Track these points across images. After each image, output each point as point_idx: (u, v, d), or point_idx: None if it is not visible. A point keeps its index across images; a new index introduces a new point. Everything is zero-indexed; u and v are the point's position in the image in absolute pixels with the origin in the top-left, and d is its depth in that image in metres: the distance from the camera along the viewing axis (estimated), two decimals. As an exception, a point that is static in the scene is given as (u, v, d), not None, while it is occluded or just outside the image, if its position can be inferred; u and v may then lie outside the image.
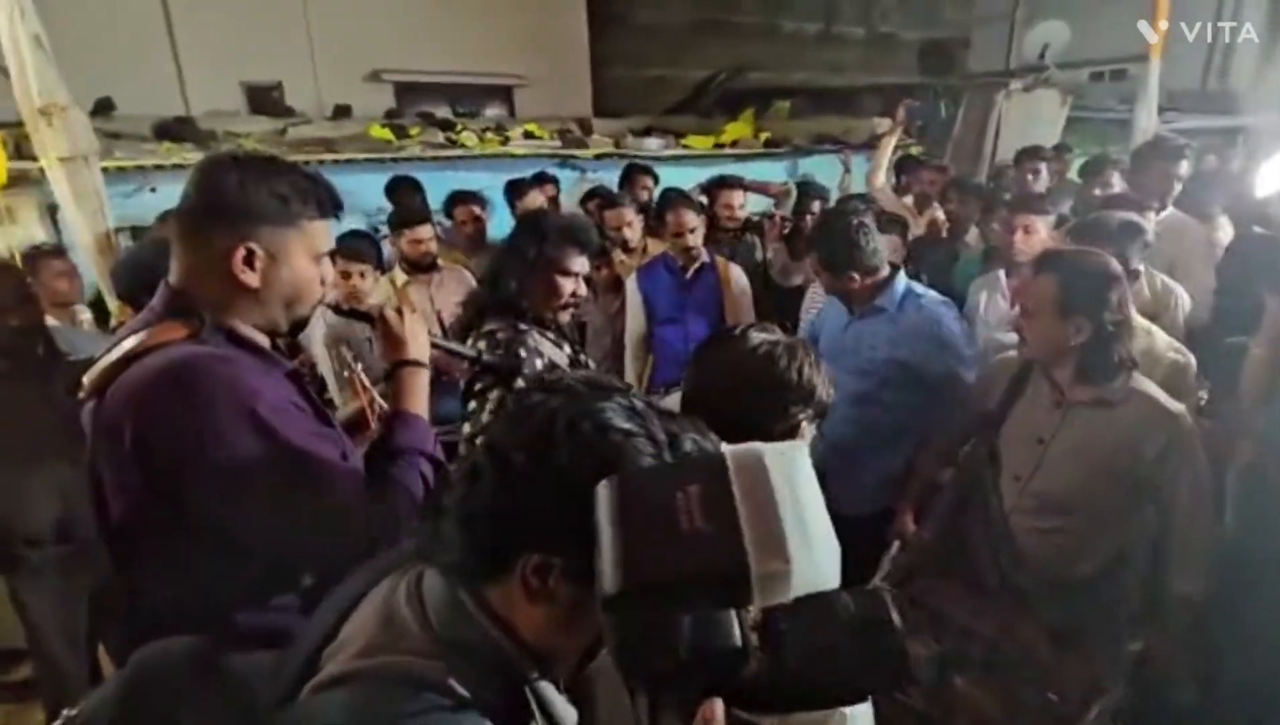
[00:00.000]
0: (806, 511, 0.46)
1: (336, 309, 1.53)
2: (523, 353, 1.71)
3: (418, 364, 1.24)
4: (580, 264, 1.82)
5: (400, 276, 3.08)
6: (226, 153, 1.14)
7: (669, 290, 2.96)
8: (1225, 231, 3.11)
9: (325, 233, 1.16)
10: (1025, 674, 1.51)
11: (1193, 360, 1.93)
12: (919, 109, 4.94)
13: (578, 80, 8.82)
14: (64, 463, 1.98)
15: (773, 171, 6.00)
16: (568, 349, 1.88)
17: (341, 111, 6.85)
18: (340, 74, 7.44)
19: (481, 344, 1.71)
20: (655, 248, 3.25)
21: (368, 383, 1.58)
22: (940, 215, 3.70)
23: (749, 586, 0.44)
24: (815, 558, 0.45)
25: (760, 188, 4.10)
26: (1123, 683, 1.54)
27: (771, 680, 0.47)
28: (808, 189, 4.06)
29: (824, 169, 6.33)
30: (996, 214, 3.15)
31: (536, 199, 3.88)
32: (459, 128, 6.28)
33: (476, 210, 3.62)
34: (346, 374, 1.54)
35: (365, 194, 4.21)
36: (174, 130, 5.32)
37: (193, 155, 4.89)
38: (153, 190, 4.34)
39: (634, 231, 3.36)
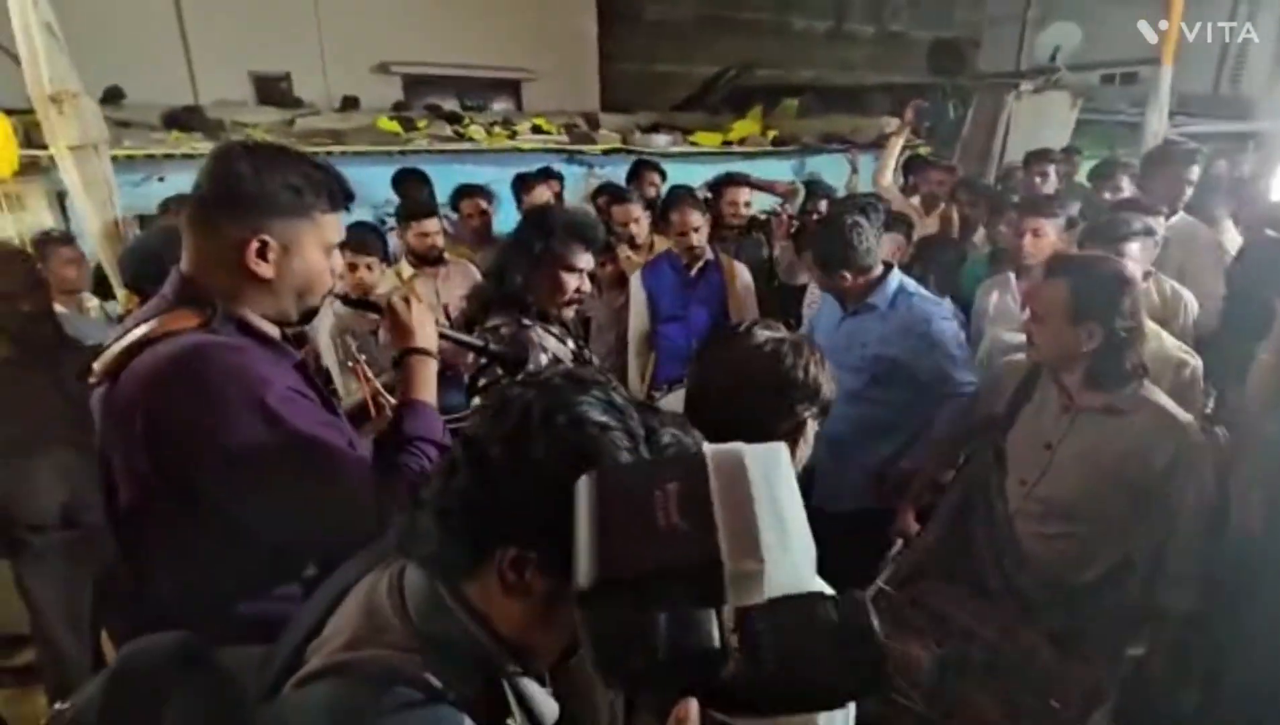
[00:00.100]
0: (784, 512, 0.46)
1: (345, 299, 1.53)
2: (527, 347, 1.71)
3: (426, 352, 1.24)
4: (585, 260, 1.82)
5: (406, 269, 3.08)
6: (240, 141, 1.14)
7: (673, 288, 2.95)
8: (1232, 236, 3.09)
9: (337, 224, 1.16)
10: (1026, 678, 1.50)
11: (1200, 363, 1.92)
12: (928, 109, 4.91)
13: (586, 75, 8.81)
14: (70, 448, 1.99)
15: (780, 170, 5.97)
16: (572, 344, 1.88)
17: (349, 103, 6.86)
18: (348, 66, 7.45)
19: (485, 337, 1.71)
20: (662, 245, 3.25)
21: (371, 374, 1.58)
22: (953, 212, 3.68)
23: (722, 585, 0.44)
24: (792, 558, 0.45)
25: (767, 186, 4.09)
26: (1119, 688, 1.54)
27: (749, 682, 0.47)
28: (815, 188, 4.05)
29: (831, 168, 6.31)
30: (1004, 216, 3.14)
31: (543, 194, 3.87)
32: (466, 121, 6.28)
33: (483, 204, 3.62)
34: (351, 365, 1.54)
35: (372, 186, 4.20)
36: (183, 119, 5.33)
37: (201, 144, 4.90)
38: (161, 179, 4.36)
39: (641, 228, 3.36)
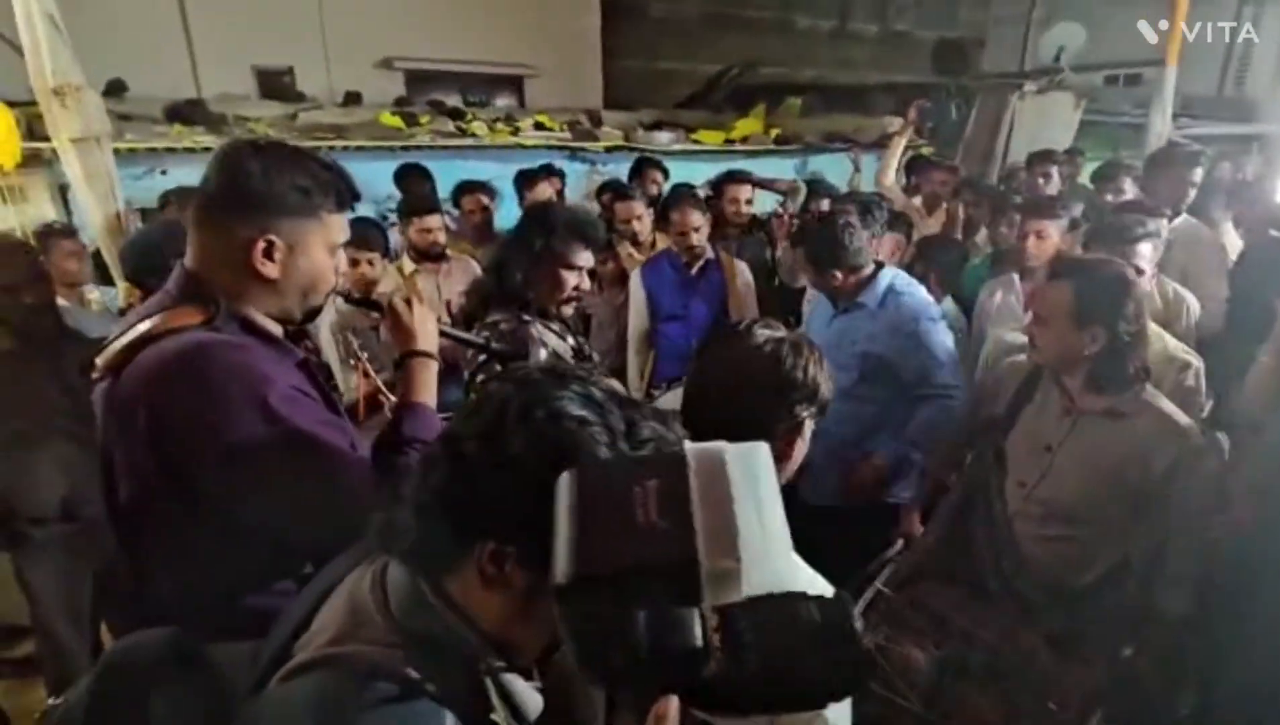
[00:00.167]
0: (764, 512, 0.47)
1: (348, 297, 1.53)
2: (526, 344, 1.72)
3: (426, 355, 1.24)
4: (585, 258, 1.82)
5: (408, 265, 3.08)
6: (248, 139, 1.14)
7: (673, 286, 2.95)
8: (1231, 238, 3.09)
9: (342, 224, 1.16)
10: (1025, 681, 1.50)
11: (1202, 365, 1.92)
12: (930, 109, 4.90)
13: (589, 72, 8.80)
14: (71, 442, 1.99)
15: (782, 169, 5.97)
16: (572, 341, 1.89)
17: (352, 98, 6.85)
18: (352, 60, 7.45)
19: (484, 336, 1.71)
20: (664, 242, 3.24)
21: (372, 371, 1.58)
22: (959, 210, 3.68)
23: (699, 582, 0.44)
24: (770, 557, 0.45)
25: (768, 184, 4.08)
26: (1115, 689, 1.54)
27: (730, 681, 0.47)
28: (817, 187, 4.04)
29: (834, 167, 6.30)
30: (1005, 217, 3.13)
31: (545, 191, 3.87)
32: (469, 117, 6.27)
33: (484, 200, 3.61)
34: (354, 363, 1.55)
35: (374, 181, 4.20)
36: (185, 113, 5.32)
37: (204, 138, 4.90)
38: (163, 172, 4.36)
39: (644, 225, 3.35)
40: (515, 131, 6.11)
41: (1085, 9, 6.80)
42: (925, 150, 5.62)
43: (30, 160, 3.53)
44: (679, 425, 0.69)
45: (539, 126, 6.34)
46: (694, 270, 2.94)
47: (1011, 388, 1.81)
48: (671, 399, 1.29)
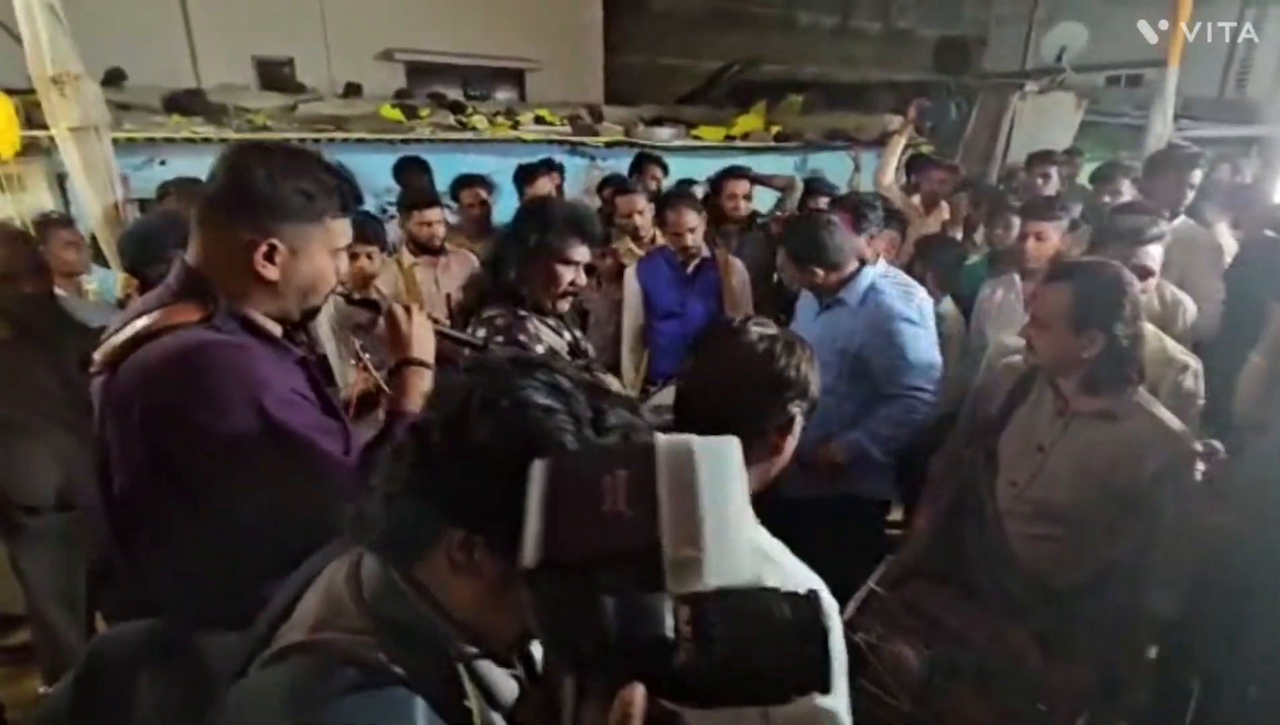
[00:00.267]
0: (728, 505, 0.48)
1: (348, 298, 1.54)
2: (522, 338, 1.72)
3: (422, 364, 1.25)
4: (581, 253, 1.82)
5: (407, 258, 3.08)
6: (256, 142, 1.15)
7: (670, 284, 2.95)
8: (1226, 239, 3.09)
9: (345, 228, 1.17)
10: (1015, 682, 1.51)
11: (1200, 366, 1.92)
12: (930, 108, 4.90)
13: (590, 66, 8.77)
14: (67, 432, 2.00)
15: (782, 166, 5.95)
16: (568, 336, 1.89)
17: (352, 90, 6.82)
18: (352, 52, 7.42)
19: (481, 332, 1.71)
20: (665, 238, 3.25)
21: (373, 369, 1.59)
22: (962, 205, 3.68)
23: (662, 570, 0.46)
24: (733, 549, 0.46)
25: (765, 180, 4.08)
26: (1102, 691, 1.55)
27: (699, 672, 0.48)
28: (816, 186, 4.03)
29: (834, 165, 6.30)
30: (1001, 217, 3.13)
31: (544, 186, 3.87)
32: (469, 110, 6.25)
33: (482, 194, 3.61)
34: (355, 363, 1.56)
35: (373, 174, 4.19)
36: (184, 103, 5.29)
37: (202, 129, 4.88)
38: (162, 163, 4.35)
39: (645, 220, 3.35)
40: (515, 125, 6.09)
41: (1087, 9, 6.80)
42: (925, 149, 5.62)
43: (29, 149, 3.52)
44: (669, 414, 0.69)
45: (539, 121, 6.32)
46: (690, 268, 2.95)
47: (1005, 388, 1.82)
48: (667, 395, 1.30)
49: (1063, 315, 1.59)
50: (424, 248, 3.04)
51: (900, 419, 2.15)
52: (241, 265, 1.08)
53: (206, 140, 4.69)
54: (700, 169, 4.58)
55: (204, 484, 1.02)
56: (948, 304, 2.86)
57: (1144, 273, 1.96)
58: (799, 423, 1.09)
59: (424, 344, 1.26)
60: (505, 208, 3.79)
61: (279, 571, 1.03)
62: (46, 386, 2.03)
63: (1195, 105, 6.14)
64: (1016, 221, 2.94)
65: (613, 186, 3.86)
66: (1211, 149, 3.81)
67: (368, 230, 2.81)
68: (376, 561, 0.67)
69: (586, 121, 6.49)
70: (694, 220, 2.89)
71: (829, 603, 0.94)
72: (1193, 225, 2.86)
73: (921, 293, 2.58)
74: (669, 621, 0.48)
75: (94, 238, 2.94)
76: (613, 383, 1.54)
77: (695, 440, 0.51)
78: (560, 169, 4.30)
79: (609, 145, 6.01)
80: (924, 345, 2.23)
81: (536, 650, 0.74)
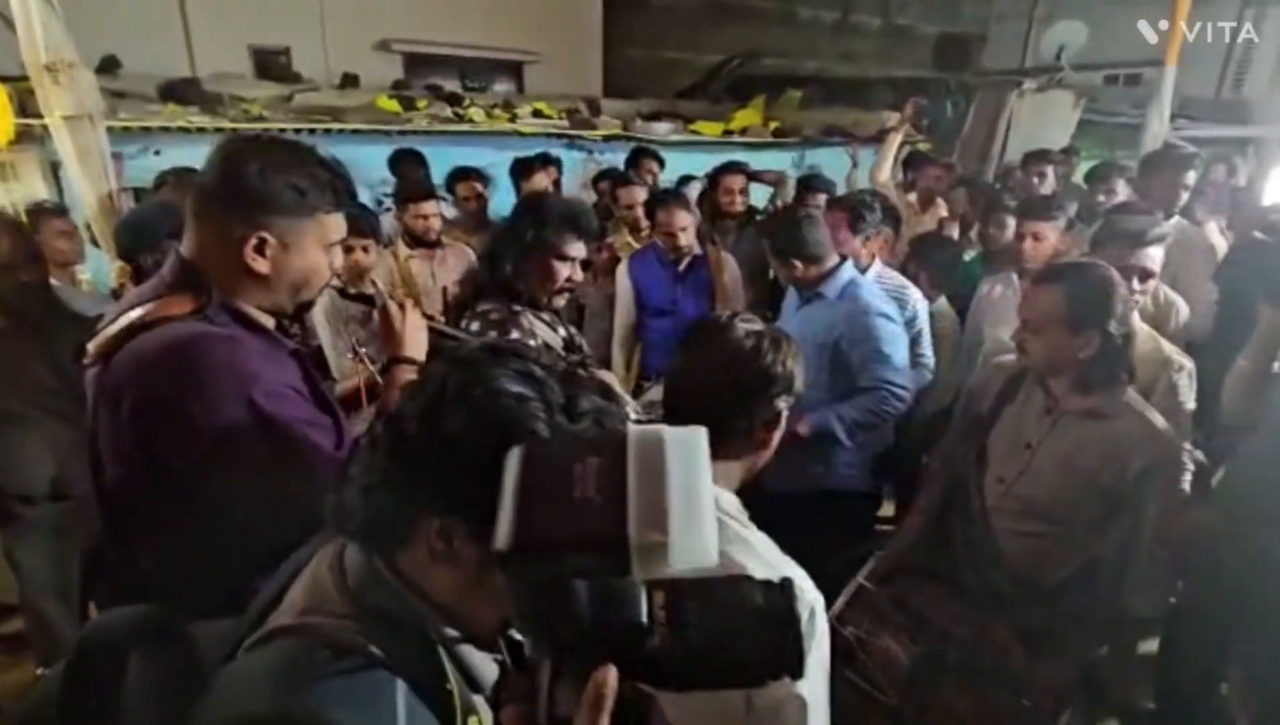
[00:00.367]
0: (695, 494, 0.49)
1: (343, 293, 1.54)
2: (516, 334, 1.72)
3: (413, 362, 1.26)
4: (577, 249, 1.82)
5: (403, 251, 3.08)
6: (250, 136, 1.15)
7: (662, 282, 2.95)
8: (1217, 238, 3.11)
9: (339, 222, 1.18)
10: (1000, 678, 1.53)
11: (1193, 366, 1.95)
12: (927, 106, 4.91)
13: (589, 59, 8.74)
14: (61, 421, 2.00)
15: (780, 161, 5.96)
16: (562, 331, 1.89)
17: (349, 80, 6.78)
18: (349, 42, 7.37)
19: (475, 326, 1.72)
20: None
21: (369, 363, 1.59)
22: (962, 199, 3.69)
23: (628, 554, 0.47)
24: (701, 536, 0.48)
25: (756, 175, 4.08)
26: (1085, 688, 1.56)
27: (674, 657, 0.50)
28: (813, 182, 4.03)
29: (832, 161, 6.29)
30: (996, 216, 3.14)
31: (542, 181, 3.86)
32: (467, 103, 6.23)
33: (479, 187, 3.61)
34: (350, 357, 1.56)
35: (369, 165, 4.19)
36: (179, 91, 5.26)
37: (197, 118, 4.86)
38: (157, 153, 4.32)
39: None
40: (513, 118, 6.07)
41: (1086, 8, 6.79)
42: (922, 146, 5.62)
43: (22, 137, 3.51)
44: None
45: (537, 114, 6.31)
46: (682, 266, 2.94)
47: (996, 386, 1.83)
48: (660, 391, 1.32)
49: (1058, 317, 1.60)
50: (420, 241, 3.04)
51: (871, 408, 2.16)
52: (233, 258, 1.08)
53: (201, 130, 4.66)
54: (698, 164, 4.58)
55: (194, 476, 1.02)
56: (942, 303, 2.87)
57: (1145, 275, 1.97)
58: (784, 417, 1.11)
59: (416, 342, 1.27)
60: (503, 202, 3.79)
61: (269, 563, 1.04)
62: (41, 377, 2.03)
63: (1192, 105, 6.15)
64: (1011, 220, 2.95)
65: (612, 179, 3.85)
66: (1207, 149, 3.82)
67: (363, 223, 2.80)
68: (359, 550, 0.68)
69: (584, 115, 6.48)
70: (685, 220, 2.88)
71: (813, 595, 0.96)
72: (1187, 226, 2.87)
73: (916, 295, 2.60)
74: (644, 607, 0.50)
75: (88, 226, 2.93)
76: (609, 378, 1.55)
77: (666, 430, 0.53)
78: (558, 163, 4.30)
79: (606, 139, 6.00)
80: (900, 344, 2.24)
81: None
